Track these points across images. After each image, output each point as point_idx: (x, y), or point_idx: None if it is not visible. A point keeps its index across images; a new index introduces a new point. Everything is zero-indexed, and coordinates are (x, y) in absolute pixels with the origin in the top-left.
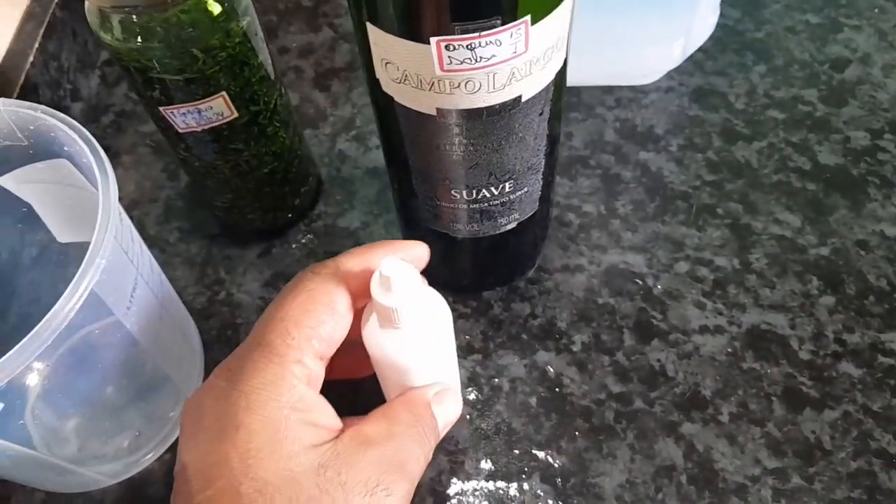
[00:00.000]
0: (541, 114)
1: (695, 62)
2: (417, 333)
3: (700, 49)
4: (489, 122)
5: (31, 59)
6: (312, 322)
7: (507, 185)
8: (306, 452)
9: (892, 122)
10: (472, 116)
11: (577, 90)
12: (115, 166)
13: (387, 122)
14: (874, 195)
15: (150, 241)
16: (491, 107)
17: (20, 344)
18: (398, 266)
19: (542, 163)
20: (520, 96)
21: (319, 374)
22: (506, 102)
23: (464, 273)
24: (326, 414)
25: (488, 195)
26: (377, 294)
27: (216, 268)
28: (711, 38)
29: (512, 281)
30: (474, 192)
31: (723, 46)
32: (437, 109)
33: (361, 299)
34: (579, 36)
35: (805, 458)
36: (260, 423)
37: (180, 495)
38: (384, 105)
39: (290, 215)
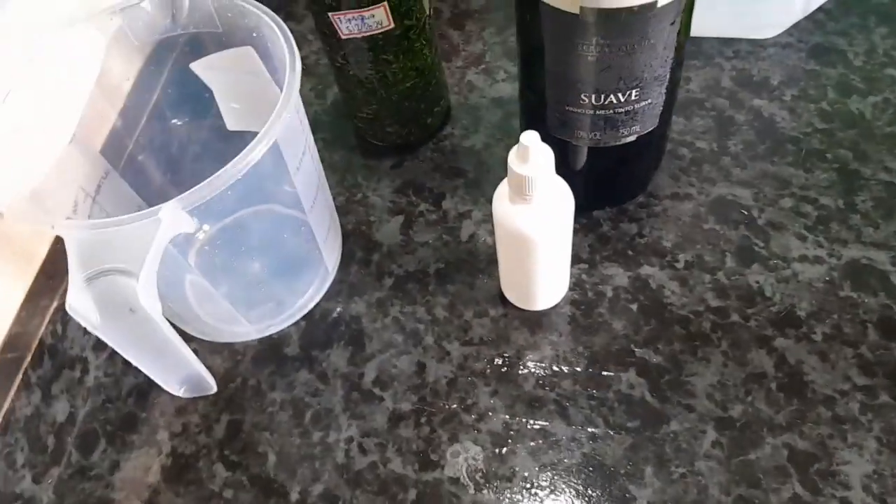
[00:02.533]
0: (672, 23)
1: (816, 22)
2: (545, 210)
3: (821, 9)
4: (626, 23)
5: None
6: None
7: (633, 92)
8: None
9: None
10: (612, 17)
11: (698, 40)
12: None
13: (529, 27)
14: None
15: None
16: (629, 8)
17: (217, 173)
18: (538, 140)
19: (667, 75)
20: (655, 1)
21: None
22: (644, 5)
23: (579, 189)
24: None
25: (615, 101)
26: (514, 164)
27: (354, 174)
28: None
29: (622, 203)
30: (602, 96)
31: (845, 9)
32: (581, 8)
33: None
34: None
35: None
36: None
37: None
38: (530, 10)
39: (422, 133)
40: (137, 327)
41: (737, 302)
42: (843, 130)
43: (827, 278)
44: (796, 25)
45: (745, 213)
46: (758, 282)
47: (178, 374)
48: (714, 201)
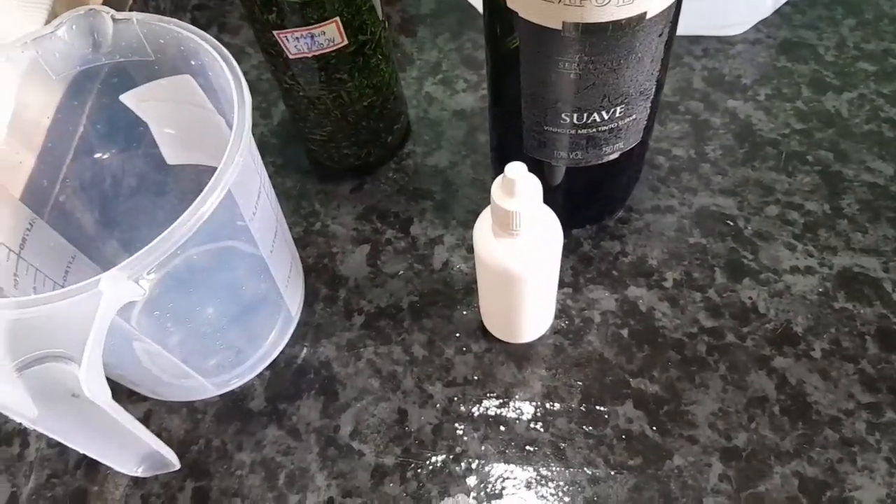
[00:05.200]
0: (660, 35)
1: (782, 16)
2: (533, 244)
3: (788, 3)
4: (612, 38)
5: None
6: None
7: (618, 109)
8: None
9: None
10: (597, 31)
11: None
12: None
13: (502, 44)
14: None
15: None
16: (617, 21)
17: (164, 234)
18: (524, 172)
19: (653, 89)
20: (645, 12)
21: None
22: (631, 18)
23: (556, 208)
24: None
25: (598, 120)
26: (499, 198)
27: (311, 201)
28: None
29: (602, 220)
30: (585, 115)
31: (811, 1)
32: (563, 23)
33: None
34: None
35: None
36: None
37: None
38: (503, 24)
39: (381, 152)
40: (82, 413)
41: (731, 321)
42: (822, 130)
43: (820, 289)
44: (763, 20)
45: (731, 223)
46: (750, 297)
47: (135, 454)
48: (697, 213)
